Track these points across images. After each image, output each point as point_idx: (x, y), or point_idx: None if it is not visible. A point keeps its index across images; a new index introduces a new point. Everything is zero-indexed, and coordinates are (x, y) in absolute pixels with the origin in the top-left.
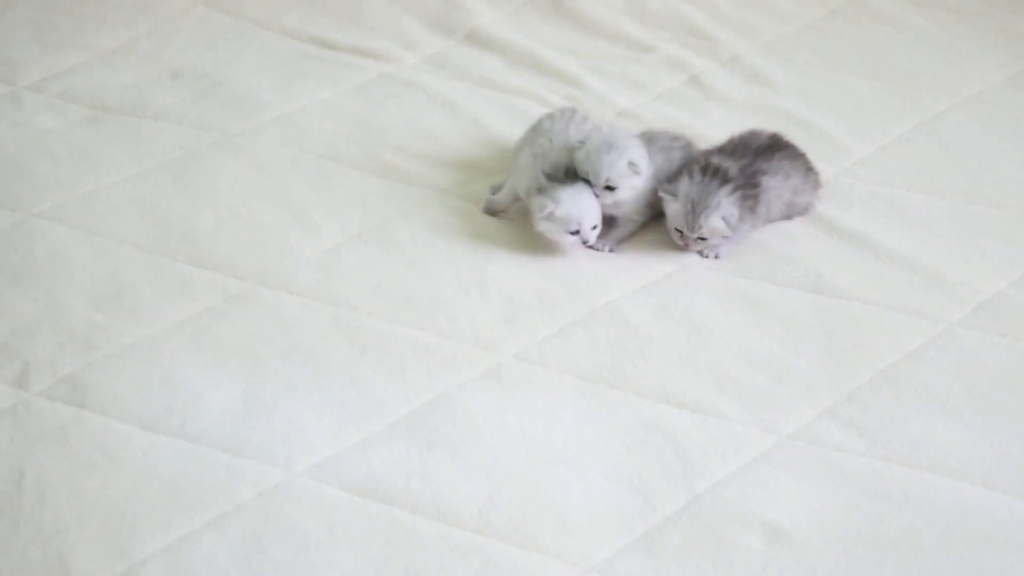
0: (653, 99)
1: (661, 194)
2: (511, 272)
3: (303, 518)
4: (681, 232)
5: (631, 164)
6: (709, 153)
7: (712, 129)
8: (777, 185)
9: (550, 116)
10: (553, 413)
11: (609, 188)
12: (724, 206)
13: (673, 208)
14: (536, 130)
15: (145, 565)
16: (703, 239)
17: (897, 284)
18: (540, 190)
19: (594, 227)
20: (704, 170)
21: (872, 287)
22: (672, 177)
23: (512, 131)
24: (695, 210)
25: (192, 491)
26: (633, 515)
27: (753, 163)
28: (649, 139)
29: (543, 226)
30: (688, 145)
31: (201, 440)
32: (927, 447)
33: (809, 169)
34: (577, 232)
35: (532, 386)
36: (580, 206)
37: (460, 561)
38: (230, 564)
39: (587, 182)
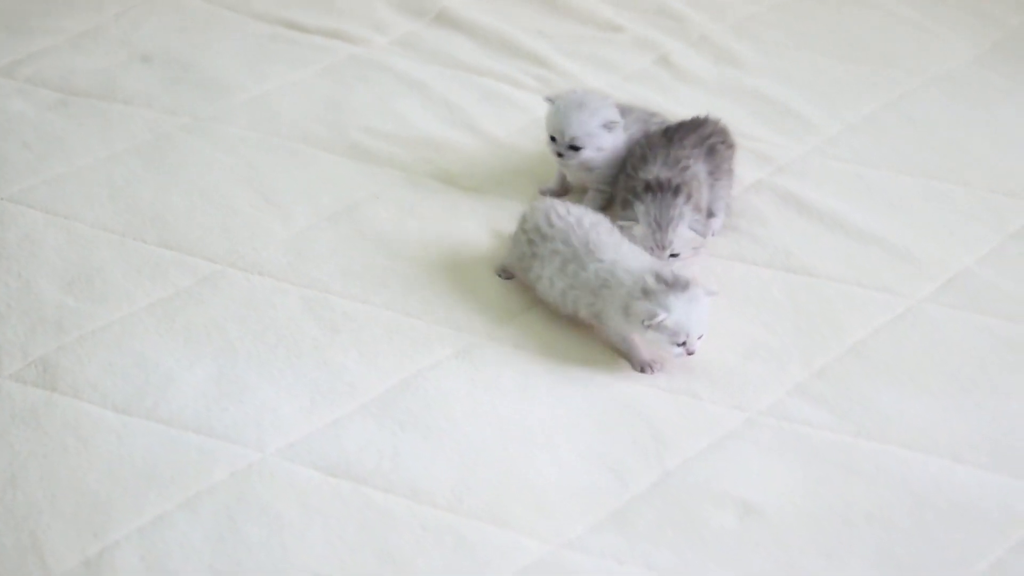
0: (623, 79)
1: (620, 224)
2: (483, 252)
3: (276, 498)
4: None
5: (608, 124)
6: (637, 169)
7: (682, 109)
8: (699, 167)
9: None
10: (525, 393)
11: (574, 148)
12: (687, 215)
13: (638, 231)
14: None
15: (118, 547)
16: (675, 255)
17: (866, 261)
18: (646, 293)
19: (700, 336)
20: (648, 188)
21: (841, 264)
22: (623, 205)
23: (482, 112)
24: (661, 226)
25: (165, 473)
26: (605, 492)
27: (669, 152)
28: (625, 110)
29: (647, 335)
30: (664, 123)
31: (173, 422)
32: (896, 422)
33: (711, 138)
34: (684, 344)
35: (504, 366)
36: (691, 316)
37: (434, 540)
38: (203, 545)
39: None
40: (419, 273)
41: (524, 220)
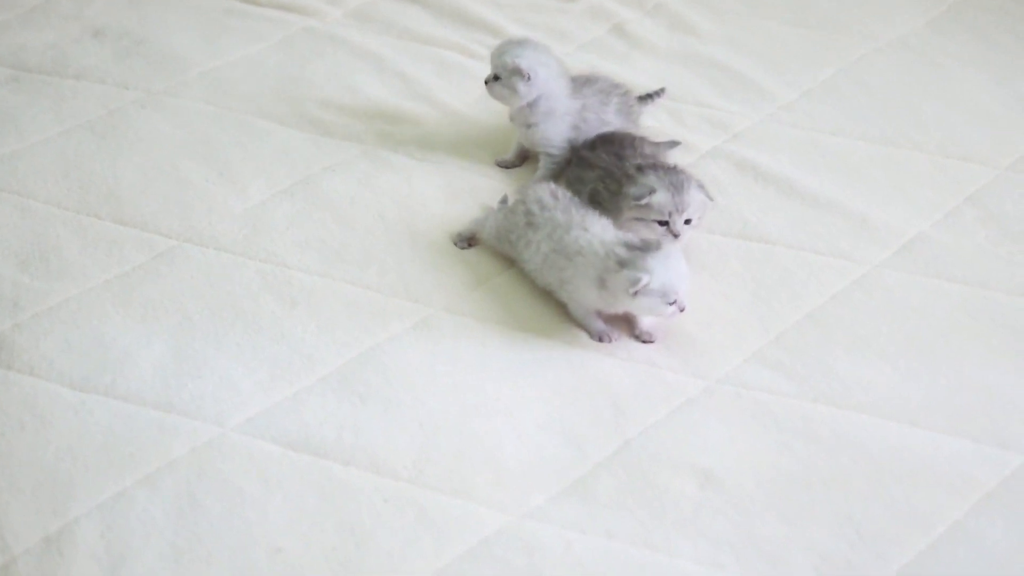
0: (577, 48)
1: (643, 202)
2: (440, 224)
3: (236, 473)
4: (666, 224)
5: (515, 64)
6: (633, 154)
7: (638, 77)
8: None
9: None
10: (484, 364)
11: (497, 77)
12: (695, 180)
13: (659, 198)
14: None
15: (79, 523)
16: (688, 222)
17: (822, 228)
18: (622, 263)
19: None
20: (648, 166)
21: (797, 231)
22: (618, 183)
23: (437, 83)
24: (679, 189)
25: (124, 449)
26: (566, 462)
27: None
28: (587, 80)
29: (637, 303)
30: (627, 93)
31: (132, 398)
32: (854, 388)
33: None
34: (675, 302)
35: (463, 338)
36: (671, 272)
37: (395, 512)
38: (164, 520)
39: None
40: (376, 245)
41: (526, 194)
